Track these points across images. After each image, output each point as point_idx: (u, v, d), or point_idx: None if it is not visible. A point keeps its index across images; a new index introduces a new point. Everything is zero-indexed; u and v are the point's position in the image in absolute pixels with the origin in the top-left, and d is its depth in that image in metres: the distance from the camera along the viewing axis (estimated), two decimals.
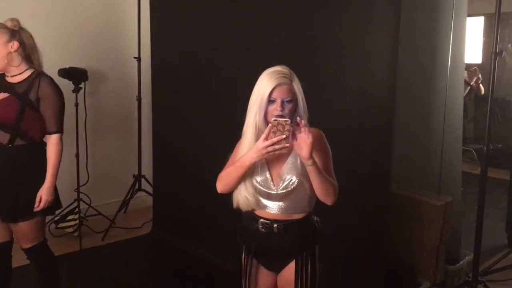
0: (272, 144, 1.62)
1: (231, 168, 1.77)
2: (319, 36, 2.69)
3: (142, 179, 4.28)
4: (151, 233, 3.94)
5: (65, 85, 3.48)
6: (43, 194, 2.31)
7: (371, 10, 2.62)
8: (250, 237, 1.86)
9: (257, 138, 1.69)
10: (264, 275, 1.91)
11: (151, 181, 4.18)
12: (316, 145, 1.66)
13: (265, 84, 1.69)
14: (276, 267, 1.89)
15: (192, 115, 3.42)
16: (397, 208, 3.00)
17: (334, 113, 2.58)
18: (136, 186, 4.26)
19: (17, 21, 2.31)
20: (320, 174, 1.69)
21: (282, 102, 1.69)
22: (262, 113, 1.70)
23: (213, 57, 3.20)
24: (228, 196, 1.84)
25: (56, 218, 3.82)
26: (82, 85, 3.62)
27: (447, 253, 3.16)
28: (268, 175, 1.78)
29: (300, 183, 1.76)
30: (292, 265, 1.83)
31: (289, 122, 1.62)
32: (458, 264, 3.24)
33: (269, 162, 1.78)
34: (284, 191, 1.77)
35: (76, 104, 3.56)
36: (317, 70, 2.61)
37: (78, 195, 3.74)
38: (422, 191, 3.16)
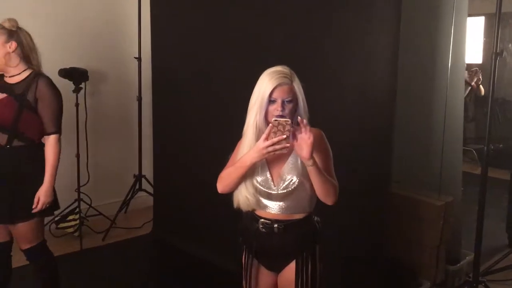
0: (273, 144, 1.62)
1: (232, 168, 1.77)
2: (319, 36, 2.69)
3: (143, 179, 4.28)
4: (152, 233, 3.94)
5: (66, 85, 3.49)
6: (41, 196, 2.30)
7: (371, 10, 2.62)
8: (251, 237, 1.86)
9: (257, 138, 1.69)
10: (264, 275, 1.91)
11: (151, 181, 4.18)
12: (316, 145, 1.67)
13: (265, 84, 1.69)
14: (277, 267, 1.89)
15: (192, 115, 3.43)
16: (398, 208, 3.00)
17: (334, 113, 2.58)
18: (137, 186, 4.26)
19: (15, 21, 2.30)
20: (321, 174, 1.69)
21: (283, 102, 1.69)
22: (263, 113, 1.70)
23: (213, 57, 3.21)
24: (228, 196, 1.84)
25: (56, 218, 3.82)
26: (82, 85, 3.62)
27: (448, 253, 3.15)
28: (268, 175, 1.78)
29: (300, 183, 1.76)
30: (292, 265, 1.83)
31: (289, 122, 1.62)
32: (458, 264, 3.24)
33: (269, 162, 1.78)
34: (285, 191, 1.77)
35: (77, 104, 3.57)
36: (317, 70, 2.61)
37: (79, 195, 3.74)
38: (422, 191, 3.16)
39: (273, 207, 1.80)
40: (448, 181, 3.16)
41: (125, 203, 4.22)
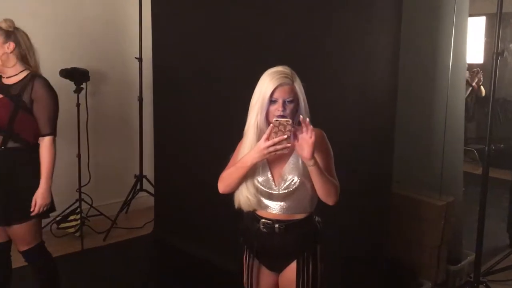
0: (274, 144, 1.62)
1: (233, 169, 1.77)
2: (319, 36, 2.69)
3: (144, 179, 4.29)
4: (153, 233, 3.94)
5: (67, 85, 3.50)
6: (38, 199, 2.28)
7: (371, 10, 2.62)
8: (252, 237, 1.86)
9: (258, 138, 1.69)
10: (265, 275, 1.91)
11: (152, 181, 4.19)
12: (317, 145, 1.66)
13: (266, 84, 1.69)
14: (278, 267, 1.89)
15: (193, 115, 3.43)
16: (399, 208, 2.99)
17: (334, 113, 2.58)
18: (138, 187, 4.26)
19: (12, 21, 2.29)
20: (322, 174, 1.69)
21: (284, 103, 1.69)
22: (264, 113, 1.70)
23: (214, 57, 3.21)
24: (229, 196, 1.84)
25: (57, 219, 3.83)
26: (83, 85, 3.62)
27: (449, 253, 3.15)
28: (269, 175, 1.78)
29: (301, 183, 1.76)
30: (293, 265, 1.83)
31: (290, 122, 1.62)
32: (459, 264, 3.24)
33: (270, 163, 1.78)
34: (286, 191, 1.77)
35: (78, 105, 3.57)
36: (318, 70, 2.61)
37: (80, 196, 3.74)
38: (423, 191, 3.16)
39: (274, 207, 1.80)
40: (449, 181, 3.16)
41: (126, 203, 4.22)
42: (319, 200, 1.80)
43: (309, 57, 2.65)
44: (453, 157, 3.20)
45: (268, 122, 1.71)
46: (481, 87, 6.28)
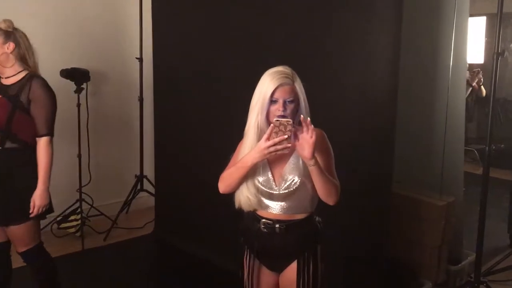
0: (274, 144, 1.62)
1: (233, 169, 1.77)
2: (320, 36, 2.69)
3: (144, 180, 4.29)
4: (153, 233, 3.94)
5: (67, 85, 3.51)
6: (36, 200, 2.27)
7: (371, 10, 2.62)
8: (252, 237, 1.86)
9: (259, 139, 1.70)
10: (266, 275, 1.91)
11: (153, 181, 4.19)
12: (318, 145, 1.66)
13: (267, 84, 1.69)
14: (278, 267, 1.89)
15: (193, 115, 3.43)
16: (399, 208, 2.99)
17: (335, 113, 2.58)
18: (138, 187, 4.26)
19: (11, 22, 2.29)
20: (322, 174, 1.69)
21: (284, 103, 1.69)
22: (264, 113, 1.70)
23: (214, 57, 3.21)
24: (229, 197, 1.84)
25: (58, 219, 3.83)
26: (84, 85, 3.63)
27: (449, 253, 3.15)
28: (270, 175, 1.78)
29: (302, 183, 1.76)
30: (294, 265, 1.83)
31: (291, 122, 1.62)
32: (460, 265, 3.24)
33: (271, 163, 1.79)
34: (286, 191, 1.77)
35: (78, 105, 3.57)
36: (318, 70, 2.61)
37: (80, 196, 3.74)
38: (424, 191, 3.16)
39: (275, 207, 1.80)
40: (450, 181, 3.16)
41: (127, 203, 4.22)
42: (320, 200, 1.80)
43: (309, 57, 2.66)
44: (454, 157, 3.20)
45: (268, 122, 1.71)
46: (482, 87, 6.28)
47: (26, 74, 2.30)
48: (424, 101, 3.26)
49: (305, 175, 1.74)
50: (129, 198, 4.21)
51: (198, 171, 3.34)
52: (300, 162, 1.75)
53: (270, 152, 1.64)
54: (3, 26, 2.26)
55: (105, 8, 4.19)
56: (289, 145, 1.63)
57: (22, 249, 2.36)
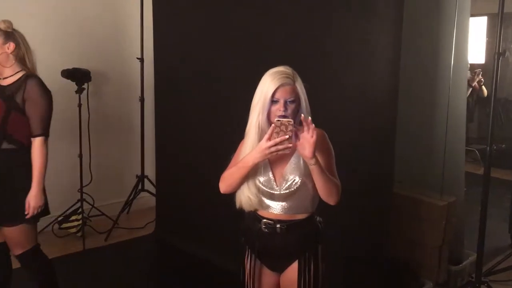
0: (275, 145, 1.62)
1: (234, 169, 1.77)
2: (320, 36, 2.69)
3: (145, 180, 4.29)
4: (154, 233, 3.95)
5: (68, 86, 3.51)
6: (31, 201, 2.25)
7: (371, 10, 2.62)
8: (253, 237, 1.86)
9: (260, 139, 1.70)
10: (267, 276, 1.91)
11: (154, 181, 4.19)
12: (319, 145, 1.67)
13: (268, 85, 1.69)
14: (279, 267, 1.89)
15: (194, 115, 3.43)
16: (400, 208, 2.99)
17: (335, 113, 2.58)
18: (139, 187, 4.27)
19: (10, 22, 2.28)
20: (323, 173, 1.69)
21: (285, 103, 1.69)
22: (265, 113, 1.71)
23: (214, 57, 3.21)
24: (230, 197, 1.84)
25: (59, 219, 3.83)
26: (85, 86, 3.62)
27: (450, 253, 3.15)
28: (271, 175, 1.79)
29: (303, 183, 1.76)
30: (295, 265, 1.83)
31: (292, 122, 1.62)
32: (461, 265, 3.24)
33: (272, 163, 1.79)
34: (287, 191, 1.77)
35: (79, 105, 3.57)
36: (318, 70, 2.61)
37: (81, 196, 3.74)
38: (425, 191, 3.16)
39: (276, 207, 1.80)
40: (451, 181, 3.16)
41: (128, 203, 4.23)
42: (320, 200, 1.80)
43: (309, 57, 2.65)
44: (455, 157, 3.20)
45: (269, 122, 1.71)
46: (483, 87, 6.28)
47: (23, 75, 2.29)
48: (425, 101, 3.26)
49: (306, 175, 1.74)
50: (130, 198, 4.22)
51: (199, 171, 3.34)
52: (301, 162, 1.75)
53: (271, 152, 1.64)
54: (2, 26, 2.26)
55: (105, 8, 4.19)
56: (290, 145, 1.63)
57: (19, 251, 2.34)
